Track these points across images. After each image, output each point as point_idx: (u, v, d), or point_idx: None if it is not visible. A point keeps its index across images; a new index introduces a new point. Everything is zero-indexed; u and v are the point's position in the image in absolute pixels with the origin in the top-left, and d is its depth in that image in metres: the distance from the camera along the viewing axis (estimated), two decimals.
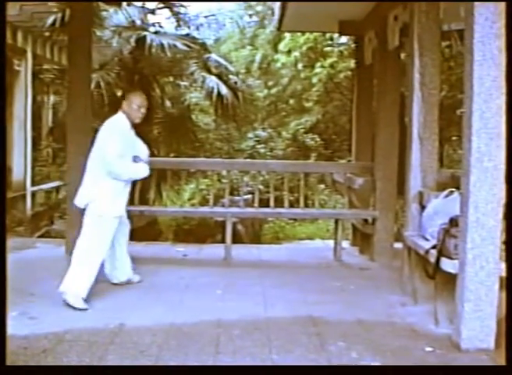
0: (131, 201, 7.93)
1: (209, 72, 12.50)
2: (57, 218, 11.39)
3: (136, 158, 5.70)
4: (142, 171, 5.74)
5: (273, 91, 19.71)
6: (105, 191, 5.51)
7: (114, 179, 5.51)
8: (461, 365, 4.02)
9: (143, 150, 5.91)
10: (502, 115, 4.13)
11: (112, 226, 5.56)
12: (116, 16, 11.82)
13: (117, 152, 5.44)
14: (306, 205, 8.09)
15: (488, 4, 4.08)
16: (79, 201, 5.63)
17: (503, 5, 4.07)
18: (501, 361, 3.73)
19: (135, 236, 8.37)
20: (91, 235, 5.44)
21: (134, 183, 6.47)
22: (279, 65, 18.76)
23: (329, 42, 16.83)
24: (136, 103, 5.67)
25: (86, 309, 5.09)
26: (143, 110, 5.71)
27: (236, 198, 9.05)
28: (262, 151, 16.61)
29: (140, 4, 12.54)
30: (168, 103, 13.38)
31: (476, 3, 4.09)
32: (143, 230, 10.01)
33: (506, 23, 4.08)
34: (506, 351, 3.61)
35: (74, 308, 5.07)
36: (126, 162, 5.60)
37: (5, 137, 3.81)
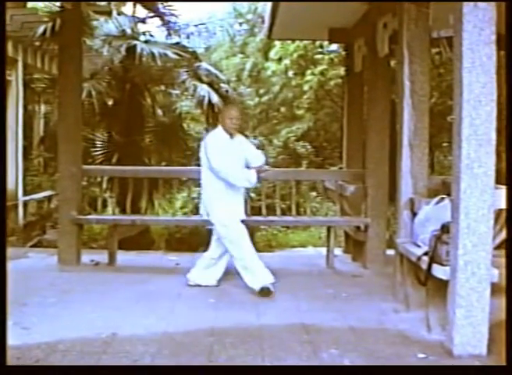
0: (123, 210, 7.95)
1: (200, 80, 12.52)
2: (49, 228, 11.38)
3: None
4: (252, 177, 6.16)
5: (264, 98, 19.77)
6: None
7: (234, 187, 6.11)
8: (461, 365, 4.03)
9: (254, 156, 6.34)
10: (491, 121, 4.13)
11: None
12: (106, 26, 11.81)
13: (219, 161, 5.92)
14: (298, 213, 8.09)
15: (477, 11, 4.10)
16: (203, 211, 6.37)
17: (491, 12, 4.09)
18: None
19: (127, 245, 8.41)
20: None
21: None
22: (269, 73, 18.83)
23: (319, 50, 16.91)
24: (229, 116, 6.19)
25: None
26: (235, 121, 6.19)
27: None
28: None
29: (130, 13, 12.56)
30: (159, 112, 13.37)
31: (464, 11, 4.11)
32: (135, 238, 10.03)
33: (506, 24, 4.10)
34: (507, 351, 3.63)
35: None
36: (238, 170, 6.09)
37: (5, 145, 3.79)
